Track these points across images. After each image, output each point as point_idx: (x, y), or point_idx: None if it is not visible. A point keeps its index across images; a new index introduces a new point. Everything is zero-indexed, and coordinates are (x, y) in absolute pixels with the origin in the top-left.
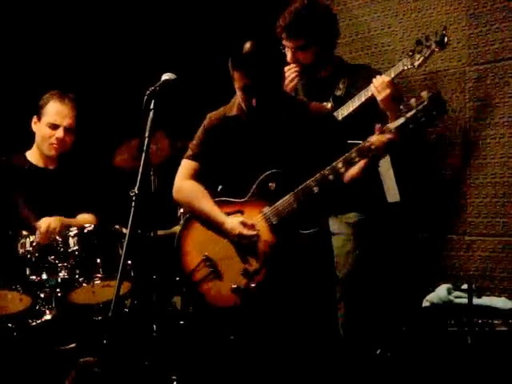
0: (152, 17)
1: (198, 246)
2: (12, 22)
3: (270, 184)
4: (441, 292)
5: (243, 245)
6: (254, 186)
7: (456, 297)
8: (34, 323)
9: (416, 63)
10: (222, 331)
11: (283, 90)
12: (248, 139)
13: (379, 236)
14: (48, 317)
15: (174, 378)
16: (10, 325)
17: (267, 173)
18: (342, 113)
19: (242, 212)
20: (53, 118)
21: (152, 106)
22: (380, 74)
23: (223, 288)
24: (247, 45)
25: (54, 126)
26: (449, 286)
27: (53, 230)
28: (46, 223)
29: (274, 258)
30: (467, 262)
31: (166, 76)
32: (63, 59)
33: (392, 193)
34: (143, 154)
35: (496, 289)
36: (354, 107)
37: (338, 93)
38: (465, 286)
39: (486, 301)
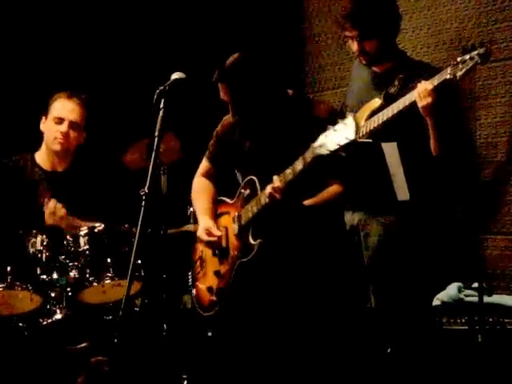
0: (162, 16)
1: (200, 243)
2: (23, 22)
3: (242, 190)
4: (451, 290)
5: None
6: (239, 190)
7: (467, 295)
8: (45, 322)
9: (458, 74)
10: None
11: (280, 91)
12: (244, 142)
13: (412, 236)
14: (58, 316)
15: (184, 376)
16: (20, 324)
17: (246, 179)
18: (387, 114)
19: (228, 213)
20: (58, 112)
21: (162, 106)
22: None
23: (204, 286)
24: (229, 59)
25: (59, 120)
26: (459, 284)
27: (57, 214)
28: (52, 204)
29: (239, 261)
30: (478, 260)
31: (175, 75)
32: (73, 59)
33: (402, 191)
34: (153, 154)
35: (507, 287)
36: (399, 109)
37: (392, 90)
38: (475, 285)
39: (497, 299)
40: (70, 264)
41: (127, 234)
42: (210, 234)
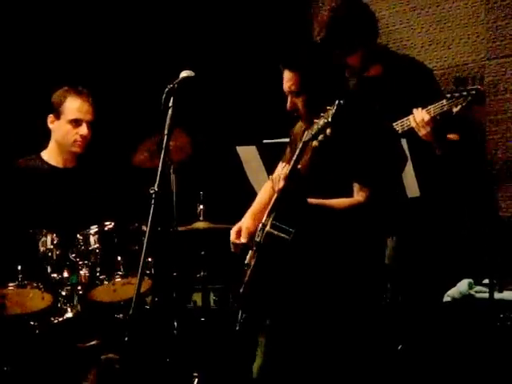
0: (172, 14)
1: None
2: (32, 19)
3: None
4: (462, 287)
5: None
6: None
7: (477, 291)
8: (56, 321)
9: (454, 110)
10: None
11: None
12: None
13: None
14: (69, 315)
15: (195, 374)
16: (32, 323)
17: None
18: None
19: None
20: (75, 114)
21: (171, 104)
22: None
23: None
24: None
25: (77, 123)
26: (470, 280)
27: None
28: None
29: (259, 270)
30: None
31: (184, 73)
32: (82, 57)
33: (412, 188)
34: (162, 152)
35: None
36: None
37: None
38: (486, 281)
39: (507, 295)
40: (81, 262)
41: (137, 232)
42: (238, 235)
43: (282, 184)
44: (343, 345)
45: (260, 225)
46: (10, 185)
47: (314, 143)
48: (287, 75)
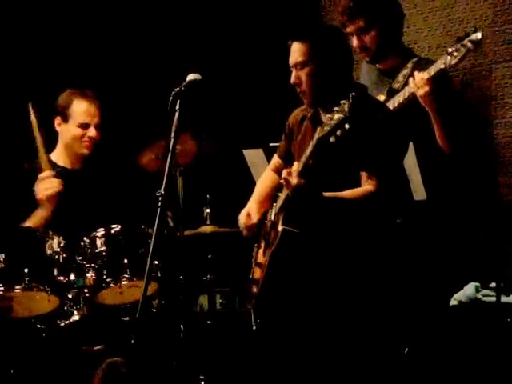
0: (178, 17)
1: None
2: (36, 20)
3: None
4: (468, 290)
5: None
6: None
7: (484, 295)
8: (62, 324)
9: (453, 62)
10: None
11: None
12: (305, 135)
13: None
14: (76, 317)
15: (201, 378)
16: (38, 325)
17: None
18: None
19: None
20: (83, 117)
21: (178, 107)
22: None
23: (253, 277)
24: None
25: (85, 126)
26: (477, 284)
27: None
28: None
29: (270, 251)
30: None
31: (191, 76)
32: (88, 59)
33: (419, 190)
34: (169, 155)
35: None
36: (399, 102)
37: (396, 86)
38: (493, 285)
39: None
40: (87, 265)
41: (144, 234)
42: (249, 217)
43: (295, 181)
44: (362, 341)
45: (269, 222)
46: (18, 186)
47: (332, 139)
48: (295, 47)
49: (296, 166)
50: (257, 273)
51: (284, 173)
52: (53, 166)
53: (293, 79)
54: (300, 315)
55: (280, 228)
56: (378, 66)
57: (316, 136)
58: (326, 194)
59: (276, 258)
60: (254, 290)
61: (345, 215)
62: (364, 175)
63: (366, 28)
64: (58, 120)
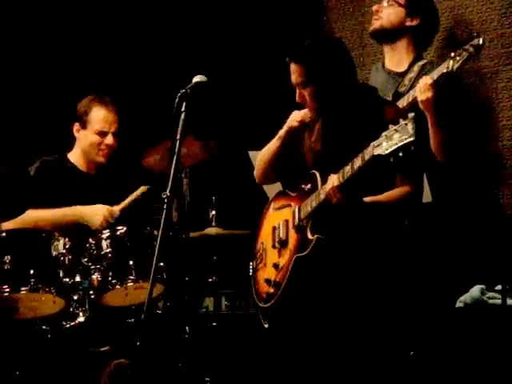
0: (184, 19)
1: (264, 231)
2: (41, 24)
3: (303, 184)
4: (474, 293)
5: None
6: (300, 183)
7: (490, 297)
8: (68, 325)
9: (455, 66)
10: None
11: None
12: (310, 135)
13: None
14: (81, 319)
15: (207, 379)
16: (43, 327)
17: (309, 172)
18: None
19: (290, 206)
20: (101, 125)
21: (183, 109)
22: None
23: (262, 277)
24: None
25: (103, 133)
26: (482, 286)
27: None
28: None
29: (296, 256)
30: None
31: (197, 78)
32: (95, 62)
33: (424, 193)
34: (174, 157)
35: None
36: (403, 106)
37: (401, 89)
38: (499, 287)
39: None
40: (93, 267)
41: (149, 236)
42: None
43: (338, 196)
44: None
45: (285, 223)
46: (35, 180)
47: (392, 159)
48: (293, 68)
49: (335, 180)
50: (272, 273)
51: (328, 186)
52: (68, 164)
53: (298, 98)
54: (316, 315)
55: (313, 236)
56: (386, 67)
57: (370, 153)
58: (368, 198)
59: (303, 264)
60: (271, 290)
61: (382, 219)
62: (399, 177)
63: None
64: (76, 126)
